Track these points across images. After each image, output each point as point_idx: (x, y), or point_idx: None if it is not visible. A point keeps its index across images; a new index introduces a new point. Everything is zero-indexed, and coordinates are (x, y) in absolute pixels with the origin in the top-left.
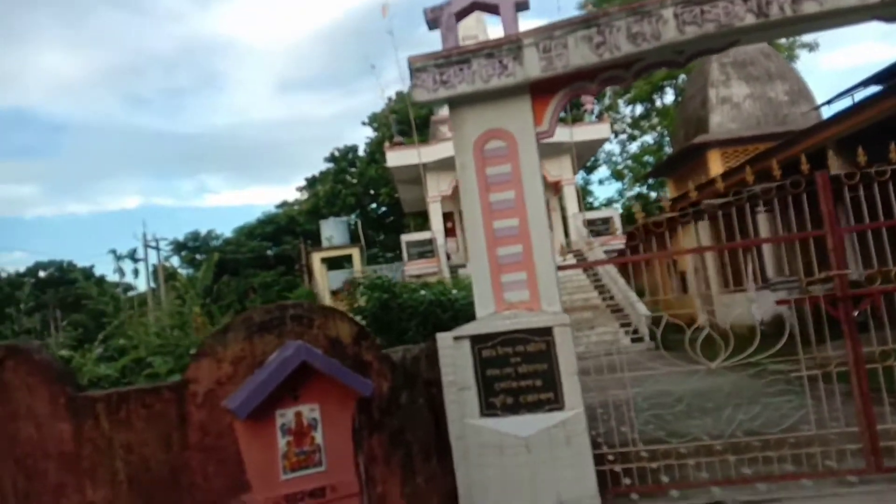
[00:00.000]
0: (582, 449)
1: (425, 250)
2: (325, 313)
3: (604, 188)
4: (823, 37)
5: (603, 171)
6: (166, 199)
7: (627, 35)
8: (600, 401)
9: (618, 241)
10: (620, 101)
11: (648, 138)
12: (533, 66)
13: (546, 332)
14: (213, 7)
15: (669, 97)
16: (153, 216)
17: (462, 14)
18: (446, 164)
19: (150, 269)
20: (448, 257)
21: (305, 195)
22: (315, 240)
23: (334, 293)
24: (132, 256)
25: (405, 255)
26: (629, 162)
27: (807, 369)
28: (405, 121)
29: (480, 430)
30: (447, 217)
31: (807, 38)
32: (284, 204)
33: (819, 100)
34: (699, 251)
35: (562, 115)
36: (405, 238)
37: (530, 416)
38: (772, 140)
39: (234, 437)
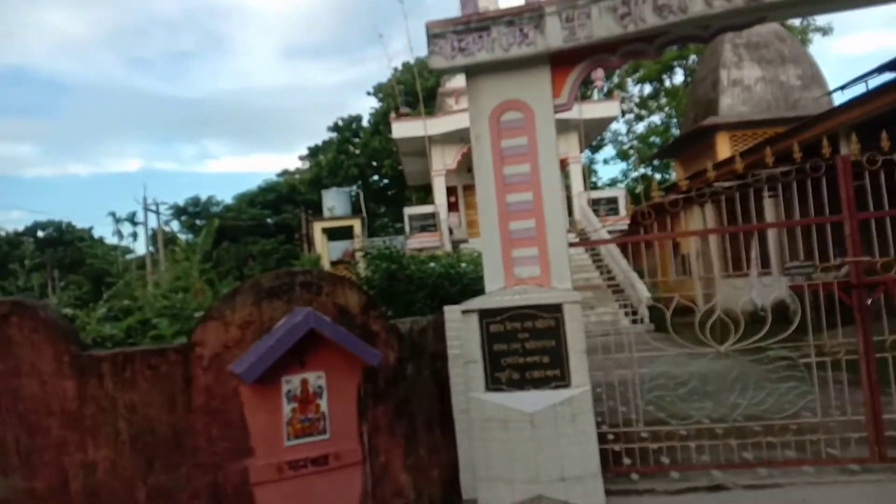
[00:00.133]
0: (587, 427)
1: (428, 224)
2: (334, 281)
3: (608, 168)
4: (838, 20)
5: (608, 151)
6: (167, 163)
7: (654, 7)
8: (600, 380)
9: (624, 222)
10: (629, 80)
11: (656, 119)
12: (555, 36)
13: (556, 309)
14: None
15: (679, 77)
16: (154, 180)
17: None
18: (452, 138)
19: (149, 233)
20: (451, 232)
21: (307, 164)
22: (316, 209)
23: (334, 264)
24: (131, 220)
25: (407, 227)
26: (635, 142)
27: (815, 356)
28: (412, 92)
29: (485, 405)
30: (450, 191)
31: (821, 20)
32: (286, 172)
33: (831, 86)
34: (712, 233)
35: None
36: (408, 211)
37: (536, 392)
38: (782, 125)
39: (239, 401)
